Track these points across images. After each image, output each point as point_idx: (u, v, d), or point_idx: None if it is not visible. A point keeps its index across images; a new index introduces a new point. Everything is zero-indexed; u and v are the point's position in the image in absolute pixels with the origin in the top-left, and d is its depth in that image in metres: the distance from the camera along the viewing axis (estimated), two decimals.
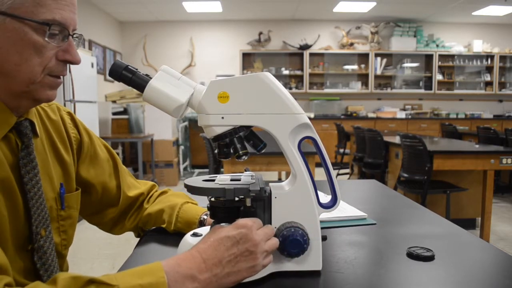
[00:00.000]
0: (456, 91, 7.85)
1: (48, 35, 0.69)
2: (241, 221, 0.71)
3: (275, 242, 0.72)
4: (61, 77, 0.76)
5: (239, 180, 0.81)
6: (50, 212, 0.80)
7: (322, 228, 0.77)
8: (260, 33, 7.65)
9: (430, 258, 0.82)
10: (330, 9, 7.03)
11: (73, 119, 0.93)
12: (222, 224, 0.75)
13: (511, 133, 4.84)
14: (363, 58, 7.81)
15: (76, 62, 0.75)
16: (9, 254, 0.70)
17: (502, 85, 7.95)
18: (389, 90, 7.83)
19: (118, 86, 7.11)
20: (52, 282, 0.56)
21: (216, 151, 0.79)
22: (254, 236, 0.68)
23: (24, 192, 0.73)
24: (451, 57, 7.79)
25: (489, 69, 7.90)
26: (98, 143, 0.98)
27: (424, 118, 7.66)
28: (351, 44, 7.76)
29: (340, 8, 6.94)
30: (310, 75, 7.75)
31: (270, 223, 0.75)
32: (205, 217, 0.94)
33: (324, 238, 0.77)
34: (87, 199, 0.95)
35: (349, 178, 5.72)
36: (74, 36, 0.75)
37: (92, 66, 4.49)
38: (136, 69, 0.77)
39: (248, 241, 0.67)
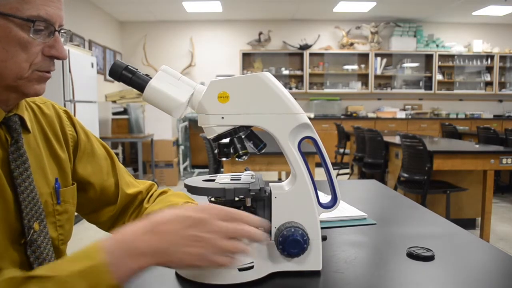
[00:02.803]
0: (456, 91, 7.86)
1: (33, 32, 0.70)
2: (208, 205, 0.66)
3: (236, 245, 0.63)
4: (50, 71, 0.76)
5: (239, 179, 0.81)
6: (46, 207, 0.80)
7: (322, 228, 0.77)
8: (260, 33, 7.65)
9: (430, 258, 0.82)
10: (330, 9, 7.03)
11: (69, 118, 0.93)
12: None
13: (511, 133, 4.84)
14: (363, 58, 7.81)
15: (63, 57, 0.75)
16: (1, 247, 0.71)
17: (502, 85, 7.95)
18: (389, 90, 7.83)
19: (118, 86, 7.11)
20: None
21: (216, 151, 0.79)
22: (212, 224, 0.63)
23: (15, 187, 0.74)
24: (451, 57, 7.79)
25: (489, 69, 7.90)
26: (96, 141, 0.99)
27: (424, 118, 7.66)
28: (351, 44, 7.76)
29: (340, 8, 6.94)
30: (310, 75, 7.75)
31: (270, 223, 0.75)
32: None
33: (324, 238, 0.77)
34: (85, 197, 0.96)
35: (349, 178, 5.72)
36: (62, 31, 0.75)
37: (92, 66, 4.49)
38: (136, 69, 0.77)
39: (203, 228, 0.62)
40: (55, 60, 0.77)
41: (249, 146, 0.79)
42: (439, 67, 7.79)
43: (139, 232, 0.61)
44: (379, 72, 7.74)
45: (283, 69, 7.74)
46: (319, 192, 0.78)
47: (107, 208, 1.00)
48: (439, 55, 7.70)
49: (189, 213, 0.63)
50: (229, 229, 0.64)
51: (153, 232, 0.61)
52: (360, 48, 7.83)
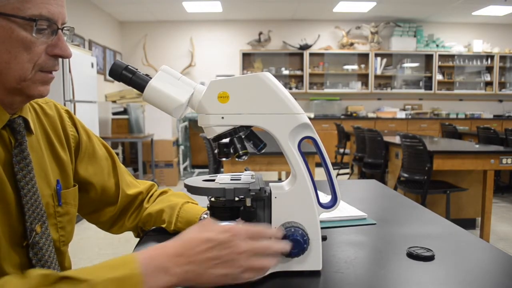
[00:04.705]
0: (456, 91, 7.86)
1: (36, 31, 0.69)
2: (231, 225, 0.67)
3: (265, 263, 0.67)
4: (53, 72, 0.75)
5: (239, 179, 0.81)
6: (47, 209, 0.80)
7: (322, 228, 0.77)
8: (260, 33, 7.65)
9: (430, 258, 0.82)
10: (330, 9, 7.03)
11: (71, 118, 0.93)
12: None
13: (511, 133, 4.84)
14: (363, 58, 7.81)
15: (67, 56, 0.75)
16: (3, 249, 0.71)
17: (502, 85, 7.95)
18: (389, 90, 7.83)
19: (118, 86, 7.11)
20: (23, 277, 0.56)
21: (216, 151, 0.79)
22: (237, 244, 0.65)
23: (18, 189, 0.73)
24: (451, 57, 7.79)
25: (489, 69, 7.90)
26: (97, 141, 0.99)
27: (424, 118, 7.66)
28: (351, 44, 7.76)
29: (340, 8, 6.94)
30: (310, 75, 7.75)
31: (270, 223, 0.75)
32: (206, 216, 0.94)
33: (324, 238, 0.77)
34: (86, 197, 0.96)
35: (349, 178, 5.72)
36: (64, 29, 0.74)
37: (92, 66, 4.49)
38: (136, 69, 0.77)
39: (229, 248, 0.64)
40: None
41: (249, 146, 0.79)
42: (439, 67, 7.79)
43: (171, 253, 0.63)
44: (379, 72, 7.74)
45: (283, 69, 7.74)
46: (319, 192, 0.78)
47: (108, 208, 1.00)
48: (439, 55, 7.70)
49: (214, 235, 0.65)
50: (254, 248, 0.66)
51: (183, 255, 0.63)
52: (360, 48, 7.83)
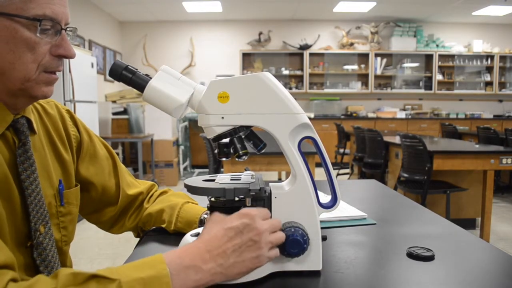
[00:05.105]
0: (456, 91, 7.86)
1: (40, 31, 0.69)
2: (245, 210, 0.69)
3: (281, 235, 0.70)
4: (57, 72, 0.76)
5: (239, 179, 0.82)
6: (50, 209, 0.80)
7: (322, 228, 0.77)
8: (260, 33, 7.65)
9: (430, 258, 0.82)
10: (330, 9, 7.03)
11: (72, 118, 0.93)
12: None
13: (511, 133, 4.84)
14: (363, 58, 7.81)
15: (71, 56, 0.75)
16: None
17: (502, 85, 7.95)
18: (389, 90, 7.83)
19: (118, 86, 7.11)
20: (54, 276, 0.56)
21: (216, 151, 0.79)
22: (257, 225, 0.67)
23: (22, 189, 0.74)
24: (451, 57, 7.79)
25: (489, 69, 7.90)
26: (98, 142, 0.99)
27: (424, 118, 7.66)
28: (351, 44, 7.76)
29: (340, 8, 6.94)
30: (310, 75, 7.75)
31: None
32: (206, 216, 0.94)
33: (324, 238, 0.77)
34: (87, 197, 0.96)
35: (349, 178, 5.72)
36: (68, 30, 0.75)
37: (92, 66, 4.49)
38: (136, 69, 0.77)
39: (252, 231, 0.66)
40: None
41: (249, 146, 0.79)
42: (439, 67, 7.79)
43: (198, 252, 0.63)
44: (379, 72, 7.74)
45: (283, 69, 7.74)
46: (319, 192, 0.78)
47: (108, 208, 1.00)
48: (439, 55, 7.70)
49: (231, 224, 0.66)
50: (271, 225, 0.70)
51: (210, 251, 0.64)
52: (360, 48, 7.83)
